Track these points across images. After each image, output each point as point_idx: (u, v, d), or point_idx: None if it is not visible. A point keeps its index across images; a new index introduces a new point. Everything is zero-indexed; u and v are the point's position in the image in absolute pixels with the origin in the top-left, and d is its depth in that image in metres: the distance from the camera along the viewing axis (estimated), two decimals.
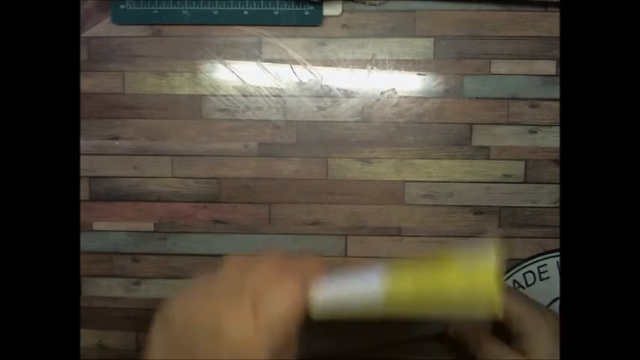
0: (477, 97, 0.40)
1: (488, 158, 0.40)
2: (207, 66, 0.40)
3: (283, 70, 0.40)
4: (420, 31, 0.39)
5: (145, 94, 0.40)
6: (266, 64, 0.40)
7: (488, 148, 0.40)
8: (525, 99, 0.39)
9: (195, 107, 0.40)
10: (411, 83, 0.40)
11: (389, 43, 0.39)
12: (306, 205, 0.41)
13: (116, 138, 0.41)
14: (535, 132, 0.39)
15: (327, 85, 0.40)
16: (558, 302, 0.40)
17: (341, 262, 0.41)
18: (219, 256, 0.41)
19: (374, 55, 0.40)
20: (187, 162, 0.41)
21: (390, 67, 0.40)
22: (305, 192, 0.41)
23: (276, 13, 0.39)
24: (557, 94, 0.39)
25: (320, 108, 0.40)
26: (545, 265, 0.40)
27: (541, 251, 0.40)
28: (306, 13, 0.39)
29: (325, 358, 0.34)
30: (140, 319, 0.42)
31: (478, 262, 0.24)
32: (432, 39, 0.39)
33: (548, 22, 0.39)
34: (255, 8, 0.39)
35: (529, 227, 0.40)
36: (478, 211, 0.40)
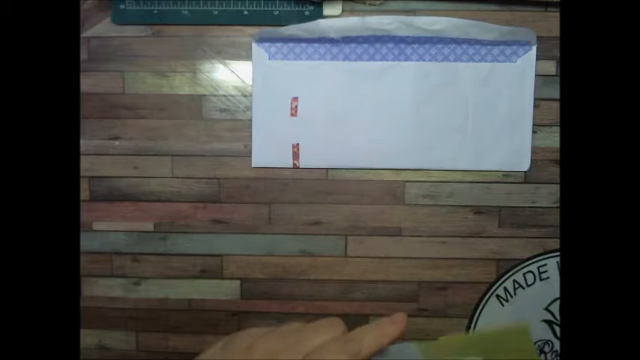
0: None
1: None
2: (207, 66, 0.40)
3: None
4: None
5: (145, 94, 0.40)
6: None
7: None
8: None
9: (195, 107, 0.40)
10: None
11: None
12: (306, 205, 0.41)
13: (116, 138, 0.41)
14: (535, 132, 0.39)
15: None
16: (558, 302, 0.40)
17: (342, 262, 0.41)
18: (219, 256, 0.41)
19: None
20: (187, 162, 0.41)
21: None
22: (305, 192, 0.41)
23: (276, 13, 0.39)
24: (557, 94, 0.39)
25: None
26: (545, 265, 0.40)
27: (541, 251, 0.40)
28: (306, 13, 0.39)
29: None
30: (140, 319, 0.42)
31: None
32: None
33: (548, 22, 0.39)
34: (255, 8, 0.39)
35: (529, 227, 0.40)
36: (478, 211, 0.40)
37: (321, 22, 0.37)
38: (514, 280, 0.41)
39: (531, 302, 0.41)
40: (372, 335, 0.25)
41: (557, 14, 0.39)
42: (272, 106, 0.40)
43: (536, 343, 0.41)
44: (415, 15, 0.38)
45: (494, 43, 0.38)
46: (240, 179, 0.41)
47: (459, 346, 0.27)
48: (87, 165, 0.41)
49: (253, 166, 0.40)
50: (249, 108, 0.40)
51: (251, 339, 0.24)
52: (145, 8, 0.39)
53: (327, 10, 0.38)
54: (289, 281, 0.41)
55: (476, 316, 0.41)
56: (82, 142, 0.40)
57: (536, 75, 0.39)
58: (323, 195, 0.41)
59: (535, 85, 0.39)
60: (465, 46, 0.38)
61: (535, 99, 0.39)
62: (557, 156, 0.40)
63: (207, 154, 0.40)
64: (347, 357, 0.22)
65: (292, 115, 0.40)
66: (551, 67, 0.39)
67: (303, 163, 0.40)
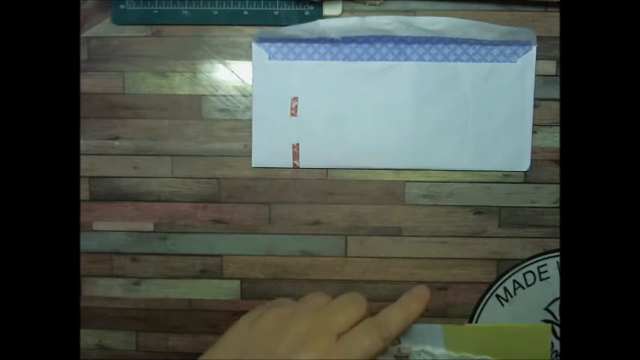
0: None
1: None
2: (207, 66, 0.40)
3: None
4: None
5: (145, 94, 0.40)
6: None
7: None
8: None
9: (195, 107, 0.40)
10: None
11: None
12: (306, 205, 0.41)
13: (116, 138, 0.41)
14: (535, 132, 0.39)
15: None
16: (558, 302, 0.40)
17: (342, 262, 0.41)
18: (220, 256, 0.41)
19: None
20: (187, 162, 0.41)
21: None
22: (305, 192, 0.41)
23: (276, 13, 0.39)
24: (557, 94, 0.39)
25: None
26: (545, 265, 0.40)
27: (541, 251, 0.40)
28: (306, 13, 0.39)
29: None
30: (140, 319, 0.42)
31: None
32: None
33: (548, 22, 0.39)
34: (255, 8, 0.39)
35: (529, 227, 0.40)
36: (478, 211, 0.40)
37: (321, 22, 0.37)
38: (514, 280, 0.41)
39: (531, 302, 0.41)
40: (399, 316, 0.25)
41: (557, 14, 0.39)
42: (272, 106, 0.40)
43: None
44: (415, 15, 0.38)
45: (494, 43, 0.38)
46: (240, 179, 0.41)
47: (482, 334, 0.28)
48: (87, 165, 0.41)
49: (253, 166, 0.40)
50: (249, 108, 0.40)
51: (277, 321, 0.24)
52: (145, 8, 0.39)
53: (327, 10, 0.38)
54: (289, 281, 0.41)
55: (476, 316, 0.41)
56: (82, 142, 0.40)
57: (536, 75, 0.39)
58: (323, 195, 0.41)
59: (535, 85, 0.39)
60: (465, 46, 0.38)
61: (535, 99, 0.39)
62: (557, 156, 0.40)
63: (207, 154, 0.41)
64: (381, 341, 0.23)
65: (292, 115, 0.40)
66: (551, 67, 0.39)
67: (303, 163, 0.40)
